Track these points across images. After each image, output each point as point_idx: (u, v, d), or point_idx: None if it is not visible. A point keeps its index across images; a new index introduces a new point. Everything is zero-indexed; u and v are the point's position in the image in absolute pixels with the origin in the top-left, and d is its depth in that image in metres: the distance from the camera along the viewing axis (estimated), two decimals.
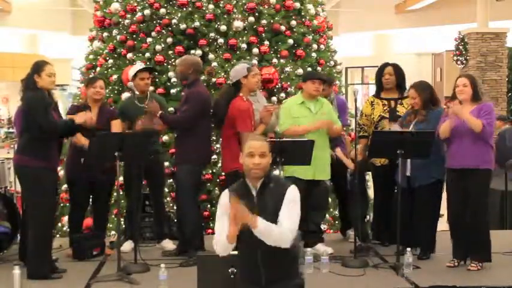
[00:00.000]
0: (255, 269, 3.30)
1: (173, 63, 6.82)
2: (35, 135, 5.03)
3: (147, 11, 7.31)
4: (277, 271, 3.32)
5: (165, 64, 7.14)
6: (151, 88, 6.91)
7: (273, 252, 3.27)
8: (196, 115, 5.58)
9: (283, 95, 7.15)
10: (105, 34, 7.60)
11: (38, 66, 5.12)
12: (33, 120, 5.02)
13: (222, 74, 7.06)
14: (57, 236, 6.61)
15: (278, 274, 3.32)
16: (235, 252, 3.45)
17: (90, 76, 6.26)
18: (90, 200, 6.04)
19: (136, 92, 5.96)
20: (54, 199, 5.27)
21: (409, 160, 5.57)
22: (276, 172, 5.21)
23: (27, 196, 5.17)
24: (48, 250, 5.14)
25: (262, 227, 3.18)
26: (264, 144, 3.32)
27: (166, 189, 6.59)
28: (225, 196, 3.37)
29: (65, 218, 6.80)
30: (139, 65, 6.18)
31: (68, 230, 6.07)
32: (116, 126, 5.87)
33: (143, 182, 6.11)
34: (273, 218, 3.27)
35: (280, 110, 5.82)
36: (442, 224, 5.82)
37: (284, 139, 5.63)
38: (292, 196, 3.33)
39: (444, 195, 5.60)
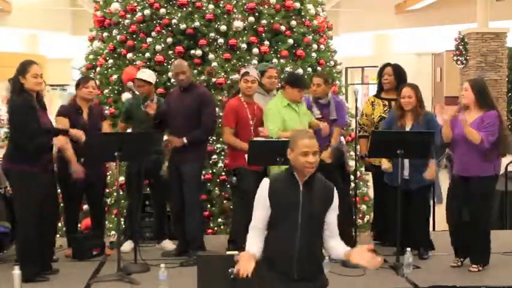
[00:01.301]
0: (289, 262, 3.29)
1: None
2: (17, 140, 4.98)
3: (147, 11, 7.31)
4: (309, 267, 3.35)
5: (165, 64, 7.14)
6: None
7: (309, 249, 3.32)
8: None
9: None
10: (105, 34, 7.60)
11: (23, 67, 4.96)
12: (14, 125, 4.96)
13: (222, 74, 7.06)
14: (57, 236, 6.60)
15: (309, 270, 3.35)
16: (236, 252, 3.45)
17: (82, 76, 6.14)
18: (86, 200, 6.05)
19: (136, 92, 5.95)
20: (41, 203, 5.14)
21: (406, 163, 5.56)
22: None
23: (15, 199, 5.15)
24: (33, 253, 5.04)
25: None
26: (315, 141, 3.36)
27: None
28: (266, 184, 3.35)
29: None
30: (140, 73, 6.14)
31: (65, 230, 6.06)
32: (106, 127, 5.86)
33: (145, 182, 6.12)
34: (317, 214, 3.34)
35: (266, 113, 5.72)
36: (442, 224, 5.82)
37: (283, 139, 5.63)
38: (337, 203, 3.40)
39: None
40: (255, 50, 7.26)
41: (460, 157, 5.28)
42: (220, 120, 6.30)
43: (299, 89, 5.67)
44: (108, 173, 6.54)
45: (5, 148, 5.21)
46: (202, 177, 6.44)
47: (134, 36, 7.38)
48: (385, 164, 5.73)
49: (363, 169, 7.11)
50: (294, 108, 5.69)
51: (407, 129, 5.58)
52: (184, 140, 5.62)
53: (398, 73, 6.19)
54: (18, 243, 5.13)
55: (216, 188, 6.82)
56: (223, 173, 6.75)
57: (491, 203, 5.39)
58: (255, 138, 5.48)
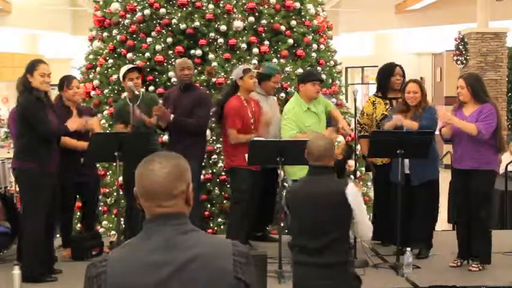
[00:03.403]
0: None
1: (173, 63, 6.82)
2: (31, 138, 4.99)
3: (147, 11, 7.30)
4: None
5: (165, 64, 7.14)
6: (151, 88, 6.92)
7: None
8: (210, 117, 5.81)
9: (283, 95, 7.15)
10: (105, 34, 7.60)
11: (31, 65, 5.00)
12: (29, 125, 4.97)
13: (222, 74, 7.06)
14: (57, 236, 6.60)
15: None
16: None
17: (64, 75, 6.09)
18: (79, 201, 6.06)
19: (136, 92, 5.95)
20: (49, 203, 5.21)
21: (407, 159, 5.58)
22: (279, 172, 5.26)
23: (24, 199, 5.15)
24: (41, 253, 5.08)
25: None
26: None
27: None
28: (353, 186, 3.56)
29: None
30: (126, 66, 6.14)
31: (60, 230, 6.06)
32: (96, 125, 5.81)
33: None
34: None
35: (284, 117, 5.78)
36: (443, 224, 5.82)
37: (284, 139, 5.64)
38: None
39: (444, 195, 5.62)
40: (255, 50, 7.25)
41: (460, 151, 5.31)
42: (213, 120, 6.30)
43: (312, 82, 5.68)
44: (108, 173, 6.54)
45: (6, 148, 5.22)
46: (202, 177, 6.45)
47: (134, 36, 7.37)
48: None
49: (363, 169, 7.11)
50: (313, 111, 5.70)
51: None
52: (172, 116, 5.66)
53: (404, 74, 6.26)
54: (25, 243, 5.12)
55: (216, 188, 6.81)
56: (223, 173, 6.75)
57: (490, 200, 5.39)
58: (255, 138, 5.48)
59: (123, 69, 5.99)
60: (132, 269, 1.79)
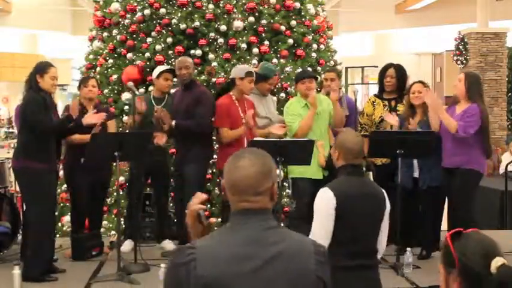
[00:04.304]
0: None
1: (173, 63, 6.82)
2: (30, 136, 5.01)
3: (147, 11, 7.31)
4: None
5: (165, 64, 7.14)
6: (151, 88, 6.91)
7: None
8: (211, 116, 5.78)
9: (283, 95, 7.15)
10: (105, 34, 7.60)
11: (42, 67, 5.09)
12: (28, 120, 5.01)
13: (222, 74, 7.06)
14: (57, 236, 6.60)
15: None
16: None
17: (83, 76, 6.27)
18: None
19: (137, 92, 5.96)
20: (52, 201, 5.24)
21: (415, 162, 5.57)
22: (278, 172, 5.24)
23: (26, 198, 5.16)
24: (44, 252, 5.10)
25: None
26: None
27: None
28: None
29: (65, 218, 6.79)
30: (164, 66, 6.25)
31: (70, 230, 6.06)
32: (112, 127, 5.90)
33: (147, 181, 6.13)
34: None
35: (286, 111, 5.81)
36: (443, 225, 5.83)
37: (284, 139, 5.64)
38: None
39: None
40: (255, 50, 7.26)
41: (444, 149, 5.35)
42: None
43: (301, 81, 5.68)
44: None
45: (6, 148, 5.23)
46: None
47: (134, 36, 7.37)
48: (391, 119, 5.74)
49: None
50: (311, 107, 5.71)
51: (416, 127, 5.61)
52: (173, 122, 5.65)
53: (401, 75, 6.20)
54: (28, 242, 5.13)
55: (216, 188, 6.82)
56: None
57: (472, 200, 5.38)
58: (255, 138, 5.48)
59: (160, 68, 6.10)
60: (221, 260, 1.82)
